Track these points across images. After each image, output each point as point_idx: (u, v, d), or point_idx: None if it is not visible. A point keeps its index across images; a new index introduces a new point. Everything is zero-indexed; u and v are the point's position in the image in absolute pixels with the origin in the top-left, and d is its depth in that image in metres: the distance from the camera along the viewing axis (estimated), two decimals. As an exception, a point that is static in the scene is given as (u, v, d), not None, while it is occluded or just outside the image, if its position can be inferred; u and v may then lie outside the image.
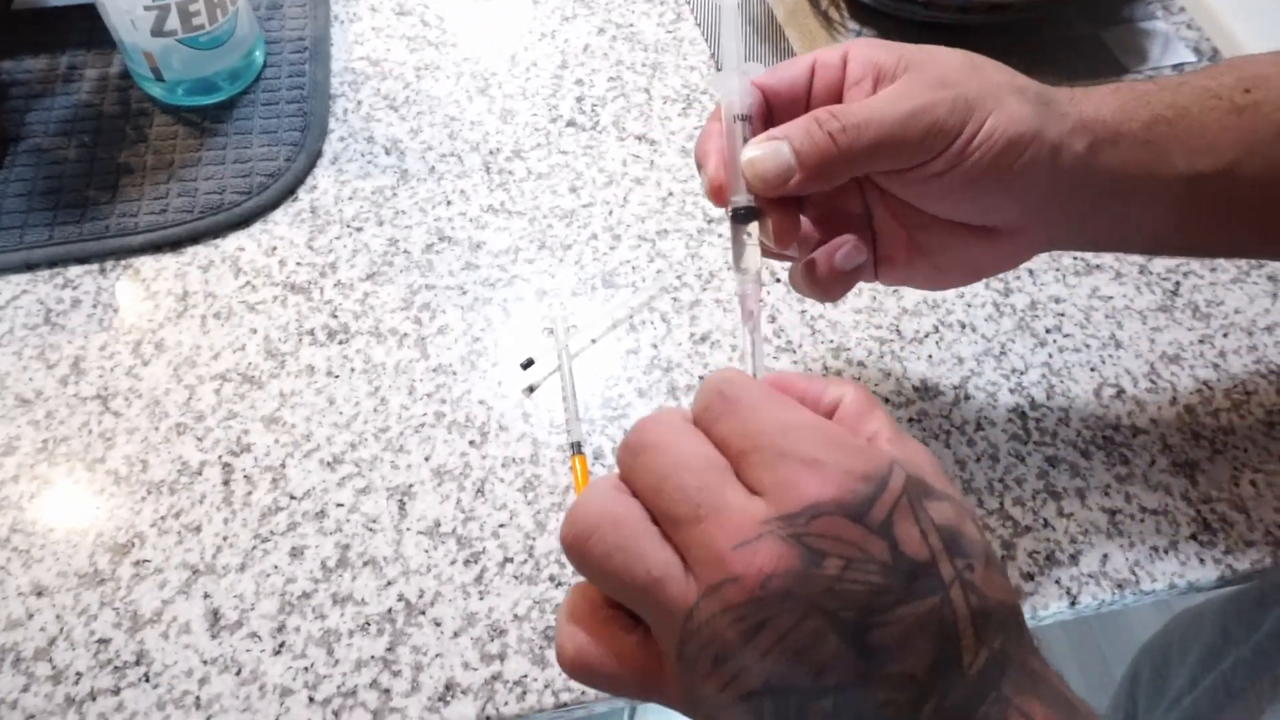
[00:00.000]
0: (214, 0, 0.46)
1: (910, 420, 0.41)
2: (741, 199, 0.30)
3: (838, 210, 0.33)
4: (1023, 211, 0.31)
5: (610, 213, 0.47)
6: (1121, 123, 0.31)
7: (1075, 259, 0.47)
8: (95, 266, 0.44)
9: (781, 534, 0.21)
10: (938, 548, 0.22)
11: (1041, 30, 0.57)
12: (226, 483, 0.38)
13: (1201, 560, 0.38)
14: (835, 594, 0.21)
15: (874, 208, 0.33)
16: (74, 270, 0.44)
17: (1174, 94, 0.32)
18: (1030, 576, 0.38)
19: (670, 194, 0.48)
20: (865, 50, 0.30)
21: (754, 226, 0.30)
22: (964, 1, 0.51)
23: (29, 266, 0.44)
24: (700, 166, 0.31)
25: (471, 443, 0.40)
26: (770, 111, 0.31)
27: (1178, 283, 0.46)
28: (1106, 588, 0.38)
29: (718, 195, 0.30)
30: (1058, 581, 0.38)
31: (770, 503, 0.21)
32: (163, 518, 0.38)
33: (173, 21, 0.45)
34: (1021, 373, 0.43)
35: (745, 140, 0.29)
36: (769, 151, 0.28)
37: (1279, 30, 0.56)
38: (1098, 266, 0.47)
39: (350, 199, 0.47)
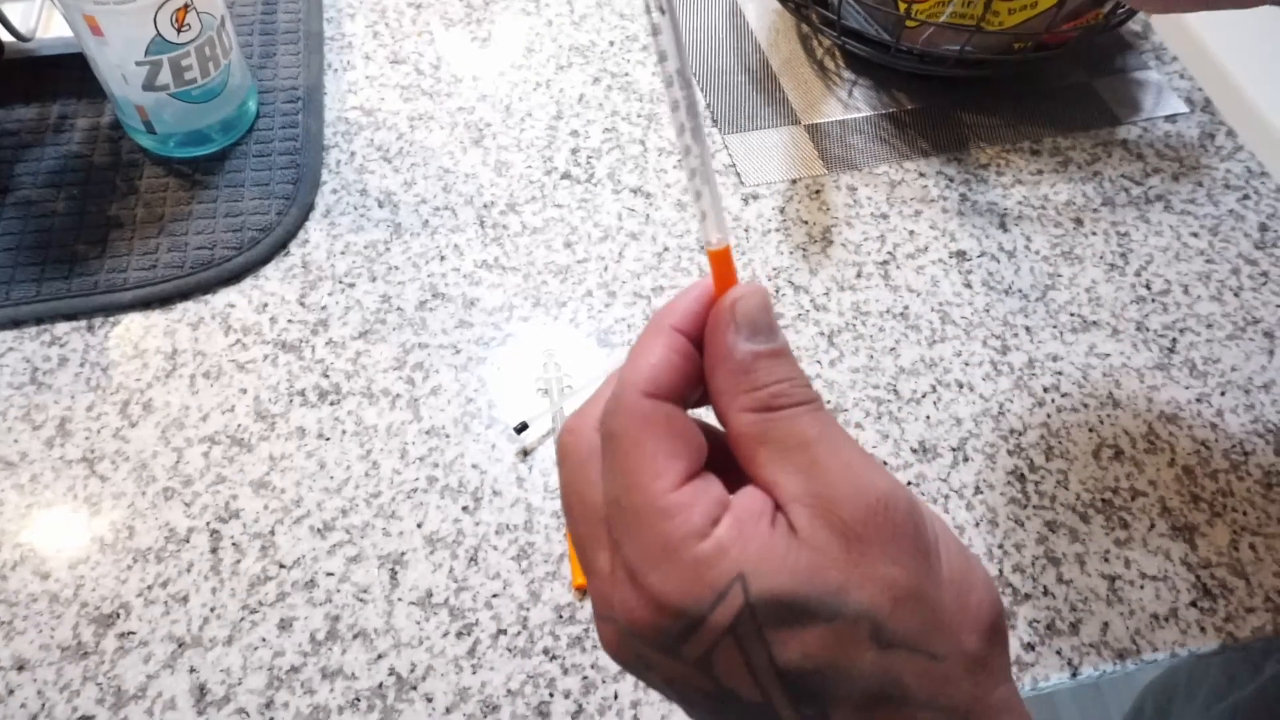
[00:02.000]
0: (206, 54, 0.45)
1: (908, 483, 0.41)
2: None
3: None
4: None
5: (605, 268, 0.47)
6: None
7: (1072, 315, 0.47)
8: (83, 323, 0.44)
9: (615, 627, 0.20)
10: (773, 691, 0.19)
11: (1035, 80, 0.57)
12: (215, 550, 0.38)
13: (1203, 628, 0.38)
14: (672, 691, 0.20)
15: None
16: (61, 327, 0.43)
17: None
18: (1031, 647, 0.37)
19: (666, 249, 0.48)
20: None
21: None
22: (957, 55, 0.51)
23: (15, 323, 0.43)
24: None
25: (465, 509, 0.39)
26: None
27: (1174, 339, 0.46)
28: (1108, 657, 0.37)
29: None
30: (1059, 652, 0.37)
31: (615, 590, 0.20)
32: (149, 587, 0.37)
33: (165, 76, 0.45)
34: (1020, 433, 0.43)
35: None
36: None
37: (1268, 84, 0.56)
38: (1095, 324, 0.47)
39: (343, 254, 0.47)
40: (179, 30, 0.43)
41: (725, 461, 0.21)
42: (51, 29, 0.50)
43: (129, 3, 0.41)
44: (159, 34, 0.43)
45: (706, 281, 0.22)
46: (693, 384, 0.21)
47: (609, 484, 0.20)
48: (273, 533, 0.38)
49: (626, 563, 0.19)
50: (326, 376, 0.43)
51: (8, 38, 0.46)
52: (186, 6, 0.43)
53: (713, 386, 0.21)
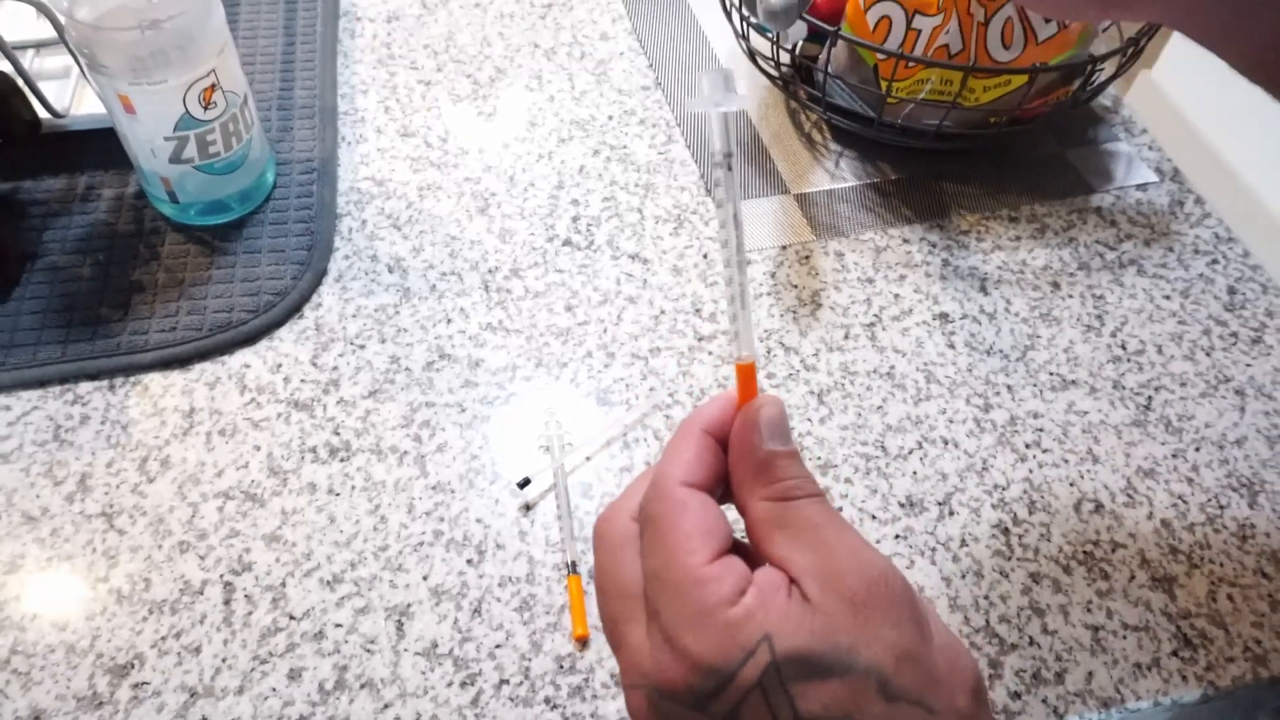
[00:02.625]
0: (230, 130, 0.48)
1: (897, 537, 0.43)
2: None
3: None
4: None
5: (604, 331, 0.49)
6: None
7: (1052, 374, 0.49)
8: (105, 383, 0.46)
9: (646, 694, 0.22)
10: None
11: (1011, 152, 0.60)
12: (227, 602, 0.39)
13: (1184, 677, 0.39)
14: None
15: None
16: (84, 387, 0.45)
17: None
18: (1017, 695, 0.38)
19: (662, 312, 0.50)
20: None
21: None
22: (936, 129, 0.54)
23: (41, 383, 0.45)
24: None
25: (469, 561, 0.41)
26: None
27: (1150, 397, 0.48)
28: (1093, 705, 0.38)
29: None
30: (1044, 700, 0.38)
31: (649, 662, 0.23)
32: (163, 638, 0.38)
33: (190, 150, 0.47)
34: (1004, 488, 0.45)
35: None
36: None
37: (1234, 154, 0.59)
38: (1073, 382, 0.49)
39: (354, 316, 0.49)
40: (205, 108, 0.46)
41: (741, 549, 0.25)
42: (83, 105, 0.53)
43: (161, 83, 0.44)
44: (187, 111, 0.46)
45: (730, 393, 0.26)
46: (719, 478, 0.25)
47: (649, 560, 0.23)
48: (284, 585, 0.40)
49: (664, 627, 0.22)
50: (337, 434, 0.44)
51: (45, 114, 0.49)
52: (213, 86, 0.46)
53: (735, 479, 0.25)
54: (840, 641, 0.22)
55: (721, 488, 0.26)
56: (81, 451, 0.43)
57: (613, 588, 0.24)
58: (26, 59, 0.49)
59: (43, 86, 0.50)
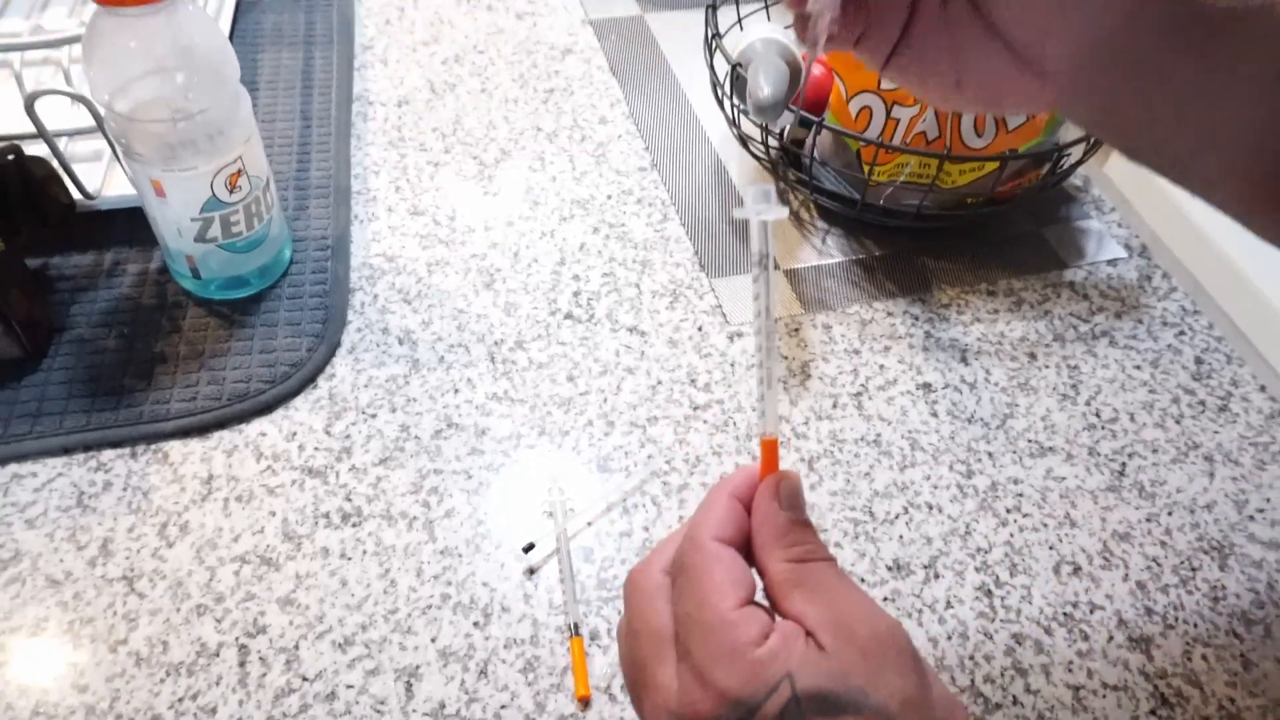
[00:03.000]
0: (252, 211, 0.51)
1: (885, 599, 0.45)
2: None
3: None
4: (1073, 57, 0.30)
5: (605, 400, 0.52)
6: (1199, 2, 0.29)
7: (1030, 441, 0.51)
8: (127, 450, 0.48)
9: None
10: None
11: (989, 230, 0.64)
12: (243, 664, 0.41)
13: (1162, 735, 0.41)
14: None
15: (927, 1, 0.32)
16: (107, 454, 0.47)
17: None
18: (1002, 753, 0.40)
19: (659, 382, 0.53)
20: None
21: None
22: (916, 210, 0.58)
23: (65, 450, 0.47)
24: None
25: (475, 624, 0.42)
26: None
27: (1124, 463, 0.51)
28: (1075, 764, 0.40)
29: None
30: (1028, 758, 0.40)
31: (676, 699, 0.25)
32: (180, 699, 0.39)
33: (215, 230, 0.50)
34: (986, 551, 0.47)
35: None
36: None
37: (1195, 233, 0.63)
38: (1051, 449, 0.51)
39: (366, 387, 0.51)
40: (231, 191, 0.49)
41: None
42: (112, 187, 0.56)
43: (191, 170, 0.47)
44: (214, 195, 0.49)
45: (755, 466, 0.29)
46: (745, 538, 0.28)
47: (683, 604, 0.26)
48: (297, 647, 0.41)
49: (695, 664, 0.25)
50: (349, 500, 0.46)
51: (78, 196, 0.52)
52: (239, 171, 0.49)
53: (756, 541, 0.28)
54: (852, 683, 0.24)
55: (746, 547, 0.28)
56: (104, 517, 0.45)
57: (645, 630, 0.27)
58: (61, 144, 0.52)
59: (76, 169, 0.53)
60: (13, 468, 0.47)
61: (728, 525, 0.28)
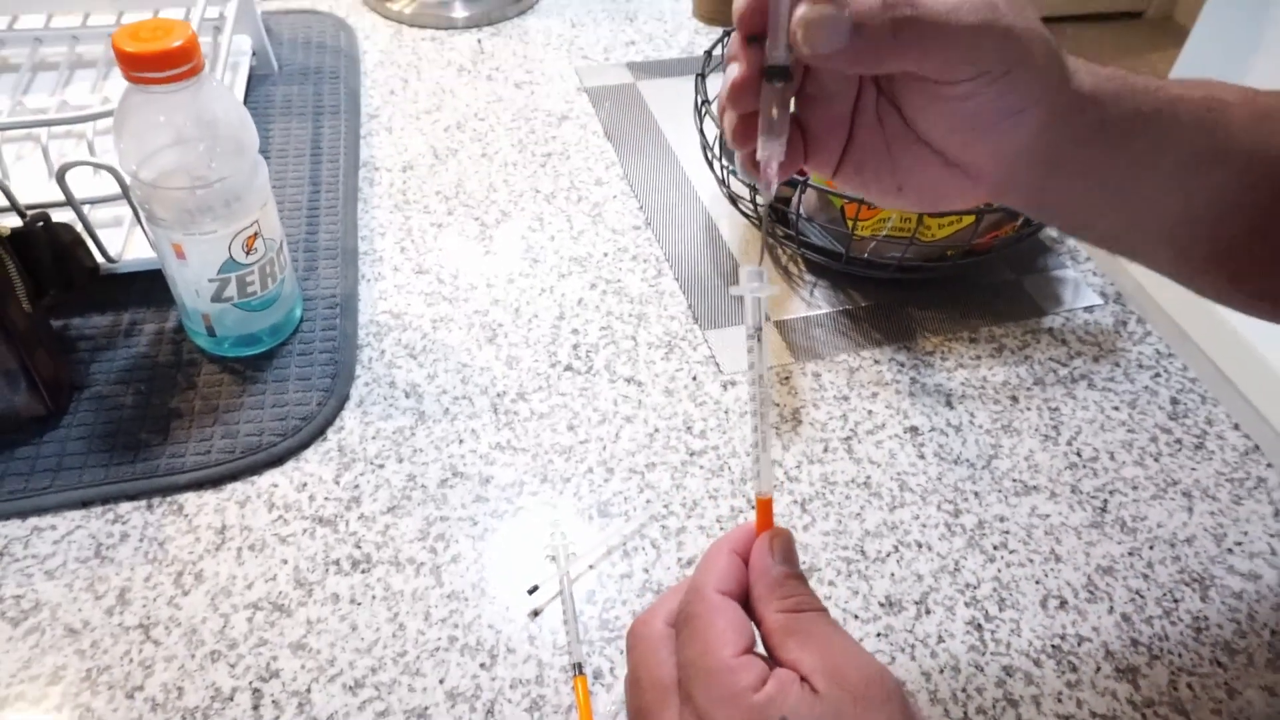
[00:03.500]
0: (267, 271, 0.54)
1: (878, 635, 0.46)
2: (779, 57, 0.30)
3: (825, 98, 0.33)
4: (998, 163, 0.33)
5: (604, 448, 0.54)
6: (1108, 110, 0.32)
7: (1014, 481, 0.53)
8: (144, 503, 0.49)
9: None
10: None
11: (970, 279, 0.67)
12: (256, 708, 0.42)
13: (1151, 764, 0.42)
14: None
15: (864, 110, 0.33)
16: (124, 506, 0.49)
17: (1154, 97, 0.33)
18: (996, 783, 0.41)
19: (656, 430, 0.55)
20: None
21: (786, 87, 0.30)
22: (898, 262, 0.61)
23: (84, 504, 0.49)
24: None
25: (482, 665, 0.44)
26: None
27: (1105, 500, 0.53)
28: (1067, 793, 0.41)
29: (743, 23, 0.30)
30: (1021, 788, 0.41)
31: None
32: (195, 743, 0.41)
33: (231, 290, 0.53)
34: (975, 587, 0.48)
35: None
36: (827, 18, 0.28)
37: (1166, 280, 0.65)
38: (1034, 488, 0.53)
39: (374, 438, 0.53)
40: (248, 253, 0.52)
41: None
42: (132, 251, 0.58)
43: (211, 233, 0.50)
44: (231, 256, 0.51)
45: (752, 523, 0.32)
46: (745, 590, 0.30)
47: (687, 650, 0.28)
48: (309, 690, 0.42)
49: (697, 707, 0.27)
50: (359, 548, 0.48)
51: (101, 259, 0.55)
52: (256, 234, 0.52)
53: (754, 594, 0.30)
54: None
55: (746, 599, 0.30)
56: (121, 567, 0.47)
57: (648, 679, 0.29)
58: (85, 211, 0.55)
59: (99, 234, 0.55)
60: (33, 520, 0.48)
61: (729, 579, 0.30)
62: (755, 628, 0.30)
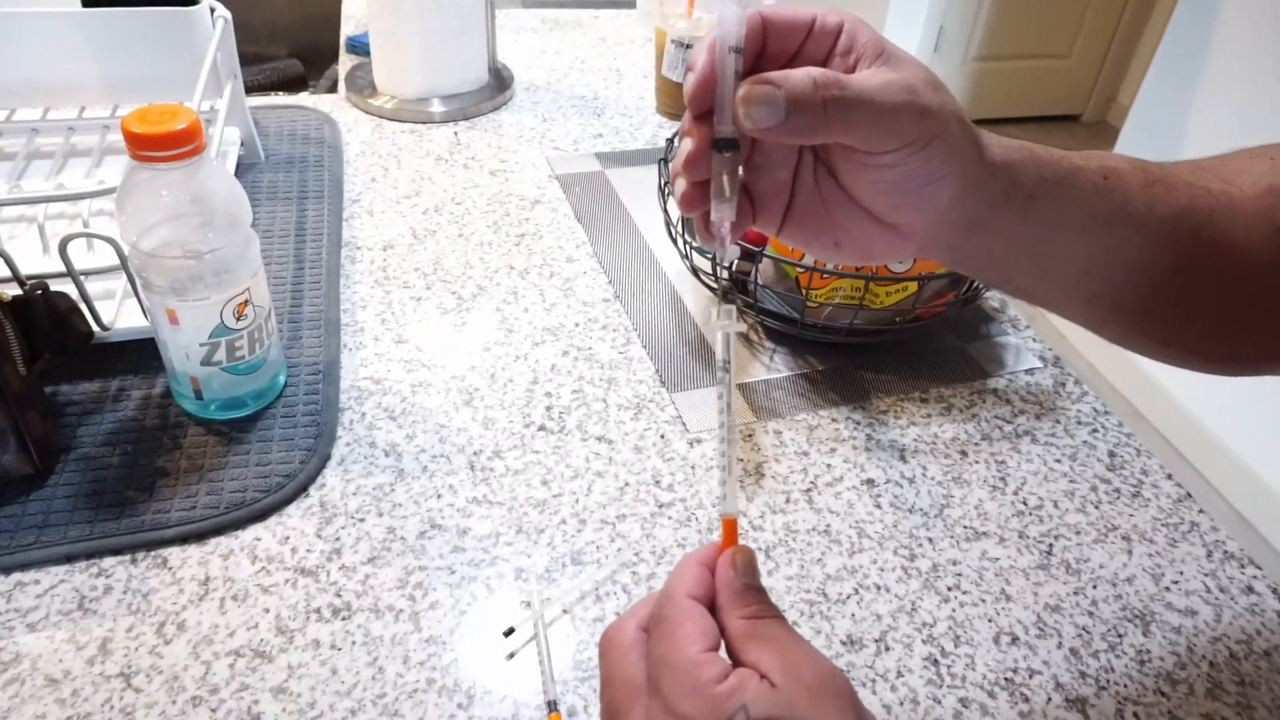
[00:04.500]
0: (255, 337, 0.57)
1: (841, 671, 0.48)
2: (726, 130, 0.33)
3: (769, 166, 0.37)
4: (923, 222, 0.36)
5: (577, 501, 0.56)
6: (1017, 177, 0.36)
7: (965, 527, 0.56)
8: (128, 557, 0.51)
9: None
10: None
11: (919, 345, 0.71)
12: (236, 751, 0.42)
13: (1102, 788, 0.44)
14: None
15: (803, 176, 0.37)
16: (108, 561, 0.50)
17: (1056, 166, 0.37)
18: (957, 809, 0.43)
19: (626, 484, 0.57)
20: (857, 28, 0.34)
21: (734, 156, 0.34)
22: (849, 327, 0.65)
23: (69, 558, 0.50)
24: (688, 71, 0.34)
25: (460, 705, 0.45)
26: (763, 45, 0.34)
27: (1051, 544, 0.56)
28: (1025, 818, 0.43)
29: (693, 103, 0.34)
30: (981, 812, 0.43)
31: None
32: (174, 787, 0.41)
33: (220, 354, 0.56)
34: (931, 625, 0.51)
35: (736, 72, 0.33)
36: (765, 96, 0.31)
37: (1100, 342, 0.70)
38: (985, 534, 0.56)
39: (354, 494, 0.55)
40: (238, 319, 0.55)
41: None
42: (124, 320, 0.61)
43: (204, 299, 0.53)
44: (222, 322, 0.54)
45: (717, 542, 0.35)
46: (711, 598, 0.33)
47: (657, 648, 0.31)
48: (289, 733, 0.43)
49: (665, 699, 0.29)
50: (339, 596, 0.50)
51: (95, 327, 0.57)
52: (246, 301, 0.55)
53: (719, 602, 0.33)
54: (799, 713, 0.28)
55: (713, 607, 0.33)
56: (103, 618, 0.48)
57: (620, 679, 0.31)
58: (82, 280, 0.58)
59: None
60: (16, 576, 0.49)
61: (698, 587, 0.33)
62: (722, 634, 0.32)
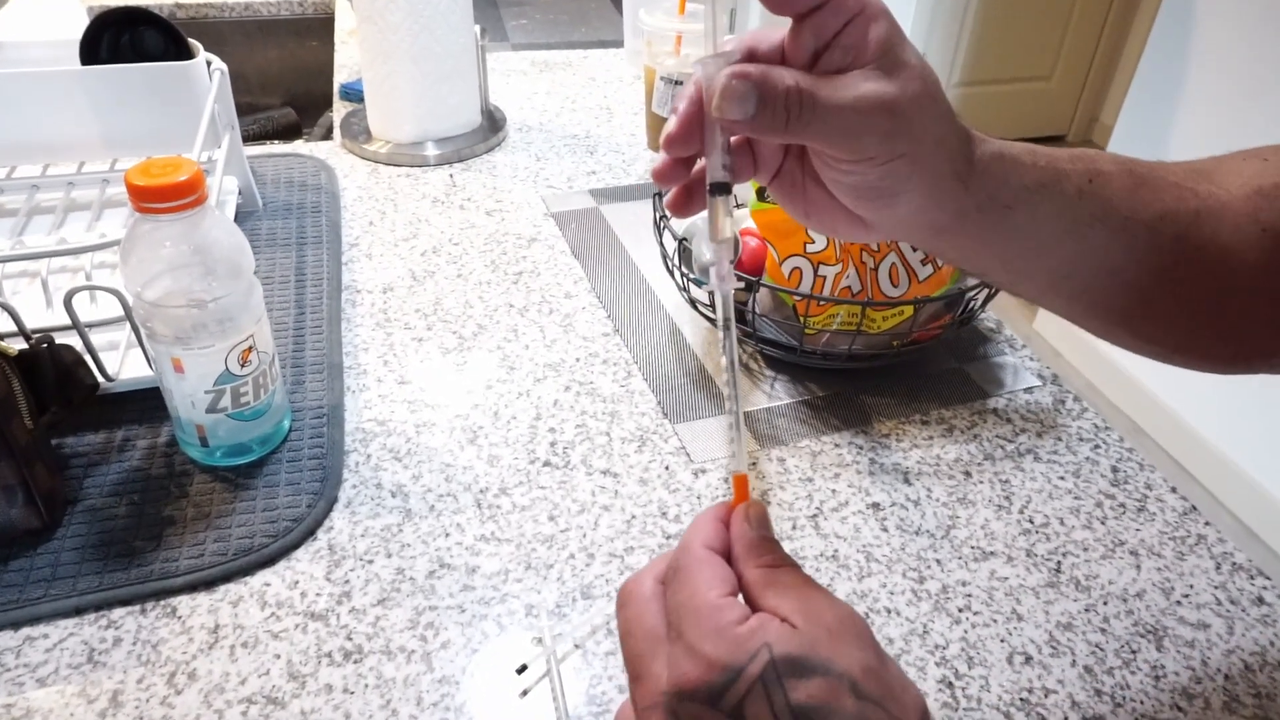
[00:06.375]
0: (260, 383, 0.57)
1: (855, 696, 0.48)
2: (718, 175, 0.35)
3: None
4: (884, 221, 0.37)
5: (584, 535, 0.56)
6: (997, 189, 0.37)
7: (973, 548, 0.57)
8: (137, 608, 0.50)
9: (664, 707, 0.29)
10: None
11: (918, 368, 0.72)
12: (250, 800, 0.42)
13: (1124, 806, 0.44)
14: None
15: (792, 148, 0.39)
16: (118, 612, 0.50)
17: (1041, 172, 0.38)
18: (979, 833, 0.42)
19: (633, 517, 0.58)
20: (870, 21, 0.34)
21: (726, 201, 0.35)
22: (848, 352, 0.65)
23: (78, 611, 0.50)
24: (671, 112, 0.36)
25: (474, 744, 0.45)
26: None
27: (1059, 562, 0.56)
28: (1048, 839, 0.42)
29: (668, 145, 0.36)
30: (1003, 835, 0.42)
31: (667, 678, 0.29)
32: (189, 839, 0.41)
33: (225, 401, 0.56)
34: (944, 648, 0.51)
35: (721, 133, 0.35)
36: (738, 90, 0.33)
37: (1101, 362, 0.71)
38: (992, 553, 0.56)
39: (362, 536, 0.55)
40: (243, 365, 0.55)
41: None
42: (128, 370, 0.61)
43: (209, 347, 0.54)
44: (227, 369, 0.55)
45: (729, 499, 0.35)
46: (727, 550, 0.34)
47: (677, 595, 0.31)
48: (303, 780, 0.43)
49: (687, 642, 0.30)
50: (350, 639, 0.49)
51: (100, 378, 0.58)
52: (251, 348, 0.55)
53: (735, 553, 0.34)
54: (820, 652, 0.29)
55: (728, 559, 0.34)
56: (114, 671, 0.47)
57: (640, 630, 0.32)
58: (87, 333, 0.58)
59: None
60: (25, 630, 0.49)
61: (713, 538, 0.34)
62: (739, 583, 0.33)
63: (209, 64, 0.79)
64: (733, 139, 0.37)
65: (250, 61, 1.59)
